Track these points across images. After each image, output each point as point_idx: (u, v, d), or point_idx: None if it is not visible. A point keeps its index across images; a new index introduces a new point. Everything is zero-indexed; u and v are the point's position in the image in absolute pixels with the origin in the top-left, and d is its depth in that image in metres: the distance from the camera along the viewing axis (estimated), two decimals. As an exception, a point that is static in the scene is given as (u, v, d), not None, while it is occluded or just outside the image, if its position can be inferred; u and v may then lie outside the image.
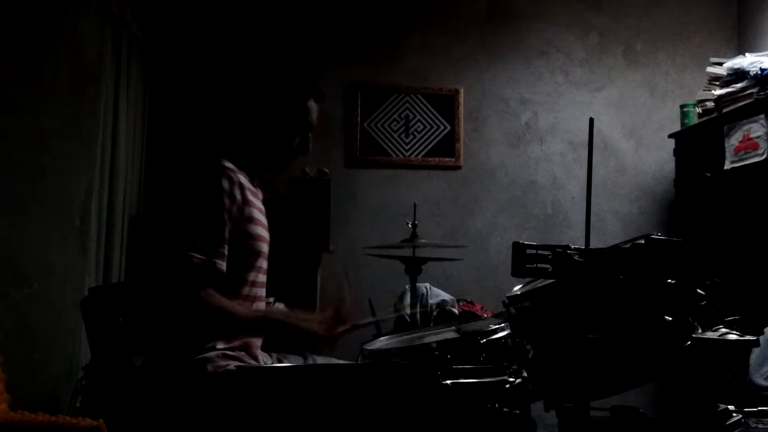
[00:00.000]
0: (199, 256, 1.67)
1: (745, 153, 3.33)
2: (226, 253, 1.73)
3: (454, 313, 3.47)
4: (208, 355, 1.72)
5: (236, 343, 1.80)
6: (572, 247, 1.47)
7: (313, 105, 1.97)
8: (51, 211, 2.47)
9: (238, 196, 1.77)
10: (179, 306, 1.69)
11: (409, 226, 3.10)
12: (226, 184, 1.75)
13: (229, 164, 1.82)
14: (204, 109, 3.88)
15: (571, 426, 1.53)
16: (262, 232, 1.87)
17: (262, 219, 1.89)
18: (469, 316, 3.49)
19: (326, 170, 3.91)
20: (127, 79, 3.29)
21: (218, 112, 3.77)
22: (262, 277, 1.90)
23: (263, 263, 1.89)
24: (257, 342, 1.88)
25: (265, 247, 1.87)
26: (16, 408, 1.86)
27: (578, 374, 1.45)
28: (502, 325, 1.87)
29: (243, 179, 1.82)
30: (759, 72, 3.38)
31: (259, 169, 1.94)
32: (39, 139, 2.37)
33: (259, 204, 1.89)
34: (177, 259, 1.67)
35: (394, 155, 4.11)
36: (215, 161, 1.82)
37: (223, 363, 1.73)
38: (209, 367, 1.70)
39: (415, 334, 2.30)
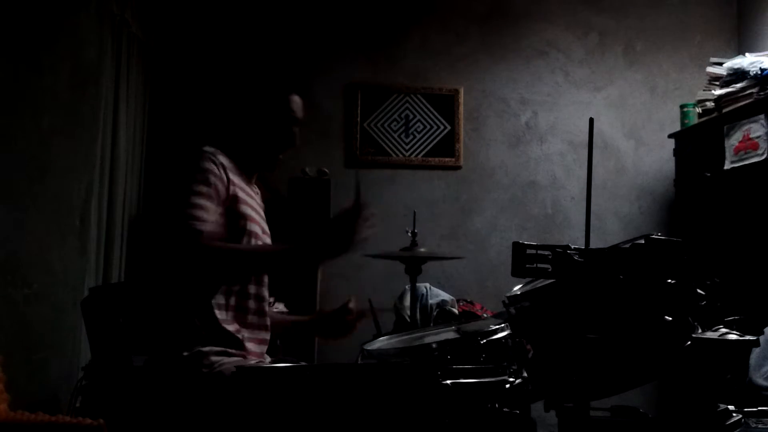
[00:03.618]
0: (195, 223, 1.69)
1: (745, 153, 3.33)
2: (218, 220, 1.76)
3: (454, 313, 3.47)
4: (204, 349, 1.73)
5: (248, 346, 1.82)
6: (572, 247, 1.47)
7: (296, 98, 1.99)
8: (51, 211, 2.47)
9: (221, 173, 1.81)
10: (188, 259, 1.68)
11: (409, 234, 3.09)
12: (205, 164, 1.80)
13: (209, 148, 1.86)
14: (203, 109, 3.88)
15: (571, 426, 1.53)
16: (251, 212, 1.89)
17: (250, 201, 1.91)
18: (469, 316, 3.50)
19: (326, 170, 3.91)
20: (127, 79, 3.29)
21: (215, 110, 3.78)
22: None
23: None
24: (262, 348, 1.90)
25: (256, 228, 1.90)
26: (16, 408, 1.87)
27: (578, 374, 1.45)
28: (502, 325, 1.87)
29: (224, 160, 1.85)
30: (759, 72, 3.38)
31: (253, 166, 1.98)
32: (39, 139, 2.37)
33: (248, 189, 1.93)
34: (177, 228, 1.70)
35: (394, 155, 4.11)
36: (198, 147, 1.87)
37: (222, 359, 1.74)
38: (205, 362, 1.71)
39: (415, 334, 2.30)
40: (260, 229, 1.92)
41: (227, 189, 1.81)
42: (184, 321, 1.77)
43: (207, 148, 1.85)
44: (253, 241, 1.88)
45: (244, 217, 1.85)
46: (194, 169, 1.79)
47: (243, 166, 1.93)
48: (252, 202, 1.92)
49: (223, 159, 1.84)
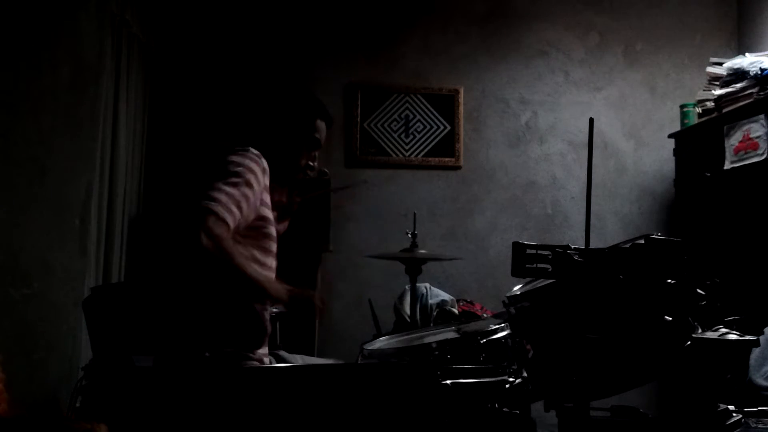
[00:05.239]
0: (215, 206, 1.68)
1: (745, 153, 3.33)
2: (238, 223, 1.76)
3: (454, 313, 3.47)
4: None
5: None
6: (572, 247, 1.47)
7: (321, 124, 2.03)
8: (51, 211, 2.47)
9: (263, 179, 1.86)
10: (188, 233, 1.66)
11: (409, 236, 3.09)
12: (253, 165, 1.83)
13: (255, 150, 1.90)
14: (204, 110, 3.88)
15: (571, 426, 1.53)
16: (270, 214, 1.94)
17: (270, 203, 1.96)
18: (469, 316, 3.50)
19: (326, 170, 3.91)
20: (127, 79, 3.29)
21: (223, 117, 3.79)
22: (273, 262, 1.96)
23: (273, 246, 1.96)
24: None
25: (273, 231, 1.95)
26: (16, 408, 1.86)
27: (578, 374, 1.45)
28: (502, 325, 1.87)
29: (266, 165, 1.90)
30: (759, 72, 3.38)
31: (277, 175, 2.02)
32: (39, 139, 2.37)
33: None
34: (195, 203, 1.69)
35: (394, 155, 4.11)
36: (245, 146, 1.91)
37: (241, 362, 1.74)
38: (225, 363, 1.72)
39: (415, 334, 2.30)
40: (276, 231, 1.97)
41: (261, 194, 1.85)
42: (211, 321, 1.77)
43: (254, 150, 1.88)
44: (269, 243, 1.92)
45: (265, 219, 1.90)
46: (240, 164, 1.80)
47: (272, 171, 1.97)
48: (269, 202, 1.96)
49: (266, 164, 1.88)
